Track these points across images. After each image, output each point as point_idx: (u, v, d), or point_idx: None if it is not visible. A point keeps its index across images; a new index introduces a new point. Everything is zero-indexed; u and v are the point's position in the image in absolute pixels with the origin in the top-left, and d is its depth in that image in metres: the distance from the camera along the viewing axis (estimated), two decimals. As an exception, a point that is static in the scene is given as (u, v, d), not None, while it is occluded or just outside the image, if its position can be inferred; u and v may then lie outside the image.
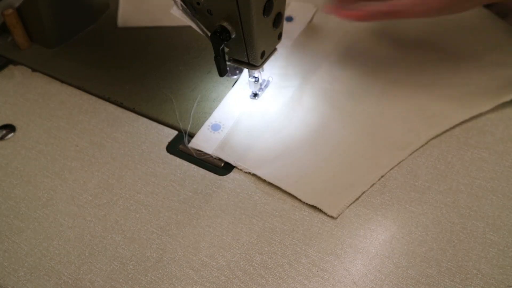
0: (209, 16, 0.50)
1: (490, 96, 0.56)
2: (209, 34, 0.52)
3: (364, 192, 0.49)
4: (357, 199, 0.49)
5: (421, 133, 0.54)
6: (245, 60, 0.53)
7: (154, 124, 0.59)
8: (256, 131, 0.56)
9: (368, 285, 0.43)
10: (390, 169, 0.51)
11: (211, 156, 0.54)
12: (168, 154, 0.55)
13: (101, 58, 0.69)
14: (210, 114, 0.58)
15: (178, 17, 0.51)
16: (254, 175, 0.52)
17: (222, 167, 0.53)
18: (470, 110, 0.55)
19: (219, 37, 0.49)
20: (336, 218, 0.47)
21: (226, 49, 0.53)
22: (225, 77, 0.62)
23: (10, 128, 0.60)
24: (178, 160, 0.55)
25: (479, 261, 0.43)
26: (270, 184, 0.51)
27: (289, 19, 0.70)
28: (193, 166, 0.54)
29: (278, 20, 0.52)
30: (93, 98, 0.63)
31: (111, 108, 0.61)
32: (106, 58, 0.69)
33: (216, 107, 0.59)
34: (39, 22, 0.68)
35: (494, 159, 0.51)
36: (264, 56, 0.54)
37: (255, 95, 0.60)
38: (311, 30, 0.68)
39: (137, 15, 0.75)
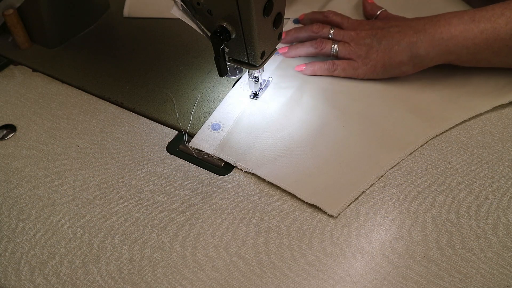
0: (209, 16, 0.50)
1: (489, 97, 0.56)
2: (209, 34, 0.52)
3: (364, 192, 0.49)
4: (356, 198, 0.49)
5: (421, 133, 0.54)
6: (245, 60, 0.53)
7: (154, 124, 0.59)
8: (256, 130, 0.56)
9: (368, 285, 0.43)
10: (390, 169, 0.51)
11: (211, 156, 0.54)
12: (168, 154, 0.55)
13: (101, 58, 0.69)
14: (210, 114, 0.58)
15: (178, 17, 0.52)
16: (254, 175, 0.52)
17: (222, 167, 0.53)
18: (469, 111, 0.55)
19: (219, 37, 0.49)
20: (336, 217, 0.48)
21: (226, 49, 0.53)
22: (225, 77, 0.62)
23: (10, 128, 0.60)
24: (178, 160, 0.55)
25: (479, 261, 0.44)
26: (270, 184, 0.51)
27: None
28: (193, 166, 0.54)
29: (278, 20, 0.52)
30: (93, 98, 0.63)
31: (111, 108, 0.62)
32: (106, 58, 0.69)
33: (216, 107, 0.59)
34: (39, 23, 0.68)
35: (494, 159, 0.51)
36: (264, 56, 0.54)
37: (255, 95, 0.60)
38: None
39: (143, 5, 0.76)
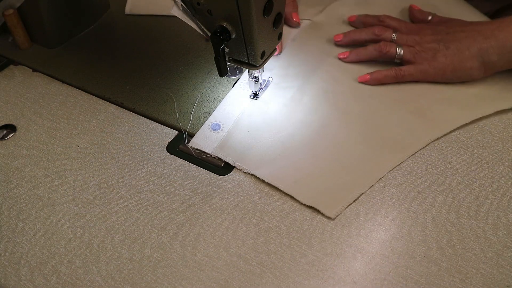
0: (209, 16, 0.50)
1: (490, 100, 0.56)
2: (209, 34, 0.52)
3: (363, 192, 0.49)
4: (356, 199, 0.49)
5: (421, 135, 0.54)
6: (245, 60, 0.53)
7: (154, 124, 0.59)
8: (255, 131, 0.56)
9: (368, 285, 0.43)
10: (390, 171, 0.51)
11: (211, 156, 0.54)
12: (168, 154, 0.55)
13: (102, 58, 0.69)
14: (210, 114, 0.58)
15: (178, 17, 0.52)
16: (253, 175, 0.52)
17: (222, 167, 0.53)
18: (471, 114, 0.55)
19: (219, 37, 0.49)
20: (334, 219, 0.48)
21: (226, 49, 0.53)
22: (225, 77, 0.62)
23: (10, 128, 0.60)
24: (178, 160, 0.55)
25: (479, 261, 0.44)
26: (270, 184, 0.51)
27: None
28: (193, 166, 0.54)
29: (278, 20, 0.52)
30: (93, 98, 0.63)
31: (111, 108, 0.62)
32: (106, 58, 0.69)
33: (216, 107, 0.59)
34: (39, 23, 0.68)
35: (494, 159, 0.51)
36: (264, 56, 0.54)
37: (255, 95, 0.60)
38: (311, 30, 0.68)
39: (145, 2, 0.76)
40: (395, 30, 0.62)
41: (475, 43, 0.56)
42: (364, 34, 0.63)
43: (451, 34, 0.58)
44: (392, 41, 0.61)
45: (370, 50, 0.61)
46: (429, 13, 0.65)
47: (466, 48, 0.56)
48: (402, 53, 0.59)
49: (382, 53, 0.60)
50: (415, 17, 0.66)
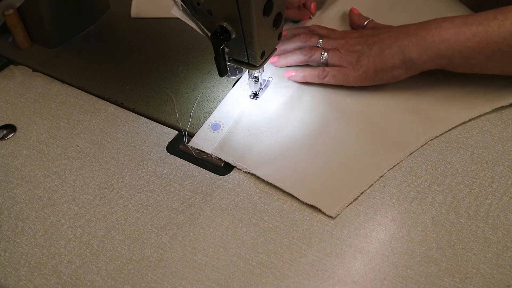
0: (209, 16, 0.50)
1: (489, 98, 0.56)
2: (209, 34, 0.52)
3: (363, 192, 0.49)
4: (356, 198, 0.49)
5: (420, 134, 0.54)
6: (245, 60, 0.53)
7: (154, 124, 0.59)
8: (255, 130, 0.56)
9: (368, 285, 0.43)
10: (389, 169, 0.51)
11: (211, 156, 0.54)
12: (168, 154, 0.55)
13: (102, 58, 0.69)
14: (210, 114, 0.58)
15: (178, 17, 0.52)
16: (253, 175, 0.52)
17: (222, 167, 0.53)
18: (469, 112, 0.55)
19: (219, 37, 0.49)
20: (335, 217, 0.48)
21: (226, 49, 0.53)
22: (225, 77, 0.62)
23: (10, 128, 0.60)
24: (178, 160, 0.55)
25: (479, 261, 0.44)
26: (270, 184, 0.51)
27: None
28: (193, 166, 0.54)
29: (278, 20, 0.52)
30: (94, 98, 0.63)
31: (111, 108, 0.62)
32: (106, 58, 0.69)
33: (216, 107, 0.59)
34: (39, 23, 0.68)
35: (494, 159, 0.51)
36: (264, 56, 0.54)
37: (255, 95, 0.60)
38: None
39: (150, 5, 0.76)
40: (323, 37, 0.62)
41: (396, 40, 0.55)
42: (291, 43, 0.63)
43: (375, 36, 0.58)
44: (318, 46, 0.61)
45: (297, 54, 0.61)
46: (366, 18, 0.65)
47: (387, 47, 0.56)
48: (327, 56, 0.59)
49: (307, 57, 0.60)
50: (352, 21, 0.66)
